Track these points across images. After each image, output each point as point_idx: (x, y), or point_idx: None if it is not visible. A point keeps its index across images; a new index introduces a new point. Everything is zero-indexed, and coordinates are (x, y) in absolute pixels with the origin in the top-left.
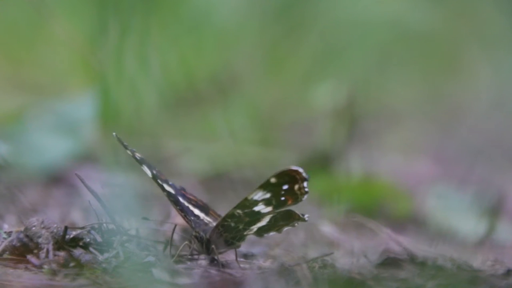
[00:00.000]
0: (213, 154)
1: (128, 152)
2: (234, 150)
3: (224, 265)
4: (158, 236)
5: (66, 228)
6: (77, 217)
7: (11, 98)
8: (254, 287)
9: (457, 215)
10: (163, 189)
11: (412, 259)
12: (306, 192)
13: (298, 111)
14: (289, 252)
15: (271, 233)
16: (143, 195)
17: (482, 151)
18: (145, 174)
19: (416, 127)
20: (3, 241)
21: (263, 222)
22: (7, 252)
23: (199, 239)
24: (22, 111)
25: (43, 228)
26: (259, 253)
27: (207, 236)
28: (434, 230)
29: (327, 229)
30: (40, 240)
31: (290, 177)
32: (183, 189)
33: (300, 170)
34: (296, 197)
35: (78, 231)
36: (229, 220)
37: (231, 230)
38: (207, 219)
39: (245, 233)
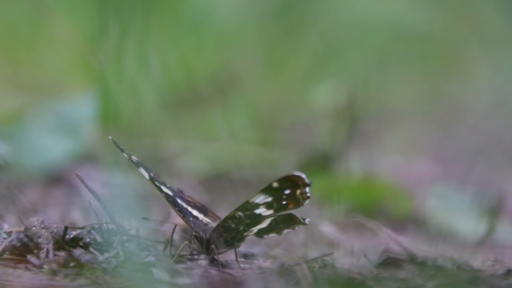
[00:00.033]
0: (213, 154)
1: (125, 155)
2: (234, 150)
3: (224, 265)
4: (158, 236)
5: (66, 228)
6: (77, 217)
7: (11, 98)
8: (254, 287)
9: (457, 215)
10: (161, 191)
11: (412, 259)
12: (308, 197)
13: (298, 111)
14: (289, 252)
15: (271, 235)
16: (143, 195)
17: (482, 151)
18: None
19: (416, 127)
20: (3, 241)
21: (264, 224)
22: (7, 252)
23: (199, 239)
24: (22, 111)
25: (43, 228)
26: (259, 253)
27: (207, 236)
28: (434, 230)
29: (327, 229)
30: (40, 240)
31: (292, 182)
32: (181, 191)
33: (303, 175)
34: (297, 201)
35: (78, 231)
36: (230, 221)
37: (231, 231)
38: (206, 220)
39: (245, 234)
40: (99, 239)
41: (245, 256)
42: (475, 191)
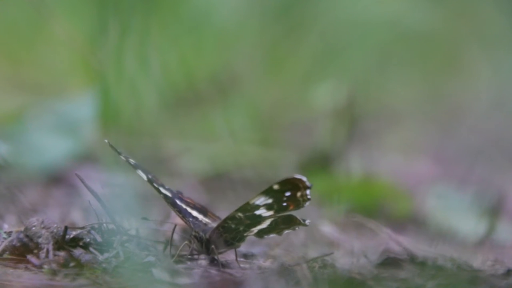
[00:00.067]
0: (213, 154)
1: (122, 158)
2: (234, 150)
3: (224, 265)
4: (158, 236)
5: (66, 228)
6: (77, 217)
7: (11, 98)
8: (254, 287)
9: (457, 215)
10: (160, 192)
11: (412, 259)
12: (309, 199)
13: (298, 111)
14: (289, 252)
15: (272, 235)
16: (143, 195)
17: (482, 151)
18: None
19: (416, 127)
20: (3, 241)
21: (264, 225)
22: (7, 252)
23: (199, 239)
24: (22, 111)
25: (43, 228)
26: (259, 253)
27: (207, 236)
28: (434, 230)
29: (327, 229)
30: (40, 240)
31: (293, 184)
32: (180, 193)
33: (304, 179)
34: (298, 203)
35: (78, 231)
36: (230, 222)
37: (231, 231)
38: (205, 220)
39: (245, 234)
40: (99, 239)
41: (245, 256)
42: (475, 191)
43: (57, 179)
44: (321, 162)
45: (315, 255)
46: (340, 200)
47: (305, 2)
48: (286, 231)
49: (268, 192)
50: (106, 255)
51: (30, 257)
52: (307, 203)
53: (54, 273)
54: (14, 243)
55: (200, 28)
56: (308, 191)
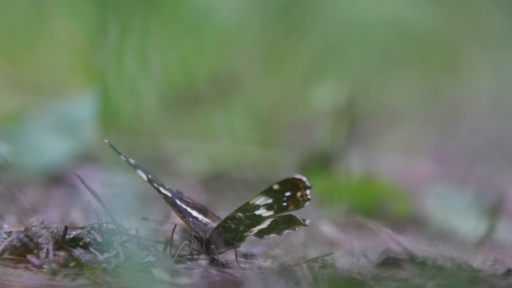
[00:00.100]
0: (213, 154)
1: (122, 158)
2: (234, 150)
3: (224, 265)
4: (158, 236)
5: (66, 228)
6: (77, 217)
7: (11, 98)
8: (254, 287)
9: (457, 215)
10: (160, 192)
11: (412, 259)
12: (309, 199)
13: (298, 111)
14: (289, 252)
15: (272, 235)
16: (143, 195)
17: (482, 151)
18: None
19: (416, 127)
20: (3, 241)
21: (264, 225)
22: (7, 252)
23: (199, 239)
24: (22, 111)
25: (43, 228)
26: (259, 253)
27: (207, 236)
28: (434, 230)
29: (327, 229)
30: (40, 240)
31: (293, 184)
32: (180, 193)
33: (304, 179)
34: (298, 203)
35: (78, 231)
36: (230, 222)
37: (231, 231)
38: (205, 220)
39: (245, 234)
40: (99, 239)
41: (245, 256)
42: (475, 191)
43: (57, 179)
44: (321, 162)
45: (315, 255)
46: (340, 200)
47: (305, 2)
48: (286, 231)
49: (268, 192)
50: (106, 255)
51: (30, 257)
52: (307, 203)
53: (54, 273)
54: (14, 243)
55: (200, 28)
56: (308, 191)
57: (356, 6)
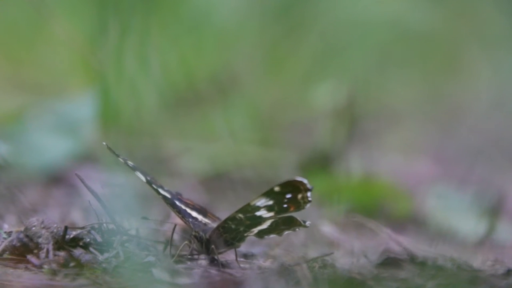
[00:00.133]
0: (213, 154)
1: (120, 160)
2: (234, 150)
3: (224, 265)
4: (158, 236)
5: (66, 228)
6: (77, 217)
7: (11, 98)
8: (254, 287)
9: (457, 215)
10: (159, 193)
11: (412, 259)
12: (309, 201)
13: (298, 111)
14: (289, 252)
15: (272, 236)
16: (143, 195)
17: (482, 151)
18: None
19: (416, 127)
20: (3, 241)
21: (264, 225)
22: (7, 252)
23: (199, 239)
24: (22, 111)
25: (43, 228)
26: (259, 253)
27: (207, 236)
28: (434, 230)
29: (327, 229)
30: (40, 240)
31: (294, 187)
32: (179, 194)
33: (305, 181)
34: (298, 205)
35: (78, 231)
36: (230, 222)
37: (231, 232)
38: (205, 220)
39: (245, 234)
40: (99, 239)
41: (245, 256)
42: (475, 191)
43: (57, 179)
44: (321, 162)
45: (315, 255)
46: (340, 200)
47: (305, 2)
48: (286, 232)
49: (269, 194)
50: (106, 255)
51: (30, 257)
52: (308, 205)
53: (54, 273)
54: (14, 243)
55: (200, 28)
56: (309, 194)
57: (356, 6)
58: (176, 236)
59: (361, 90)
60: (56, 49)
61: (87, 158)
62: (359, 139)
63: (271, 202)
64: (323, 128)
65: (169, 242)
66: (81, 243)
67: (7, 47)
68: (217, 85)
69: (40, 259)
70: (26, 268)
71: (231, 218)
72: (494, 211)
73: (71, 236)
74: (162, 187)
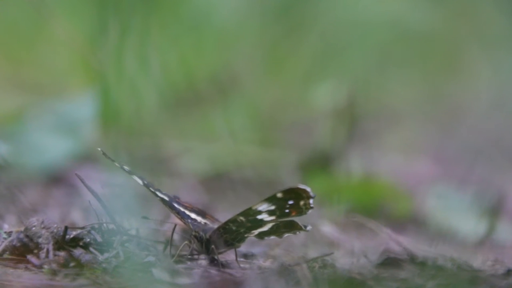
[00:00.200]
0: (213, 154)
1: (116, 164)
2: (234, 150)
3: (224, 265)
4: (158, 236)
5: (66, 228)
6: (77, 217)
7: (11, 98)
8: (254, 287)
9: (457, 215)
10: (156, 196)
11: (412, 259)
12: (311, 208)
13: (298, 111)
14: (289, 252)
15: (272, 237)
16: (143, 195)
17: (482, 151)
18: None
19: (416, 127)
20: (3, 241)
21: (265, 228)
22: (7, 252)
23: (199, 239)
24: (22, 111)
25: (43, 228)
26: (259, 253)
27: (207, 236)
28: (434, 230)
29: (327, 229)
30: (40, 240)
31: (296, 194)
32: (177, 197)
33: (308, 189)
34: (300, 211)
35: (78, 231)
36: (231, 224)
37: (232, 233)
38: (204, 221)
39: (245, 235)
40: (99, 239)
41: (245, 256)
42: (475, 191)
43: (57, 179)
44: (321, 162)
45: (315, 255)
46: (340, 200)
47: (305, 2)
48: (286, 235)
49: (271, 199)
50: (106, 255)
51: (30, 257)
52: (310, 211)
53: (54, 273)
54: (14, 243)
55: (200, 28)
56: (311, 201)
57: (356, 6)
58: (176, 236)
59: (361, 90)
60: (56, 49)
61: (87, 158)
62: (359, 139)
63: (273, 207)
64: (323, 128)
65: (169, 242)
66: (81, 243)
67: (7, 47)
68: (217, 85)
69: (40, 259)
70: (26, 268)
71: (232, 220)
72: (494, 211)
73: (71, 236)
74: (159, 191)
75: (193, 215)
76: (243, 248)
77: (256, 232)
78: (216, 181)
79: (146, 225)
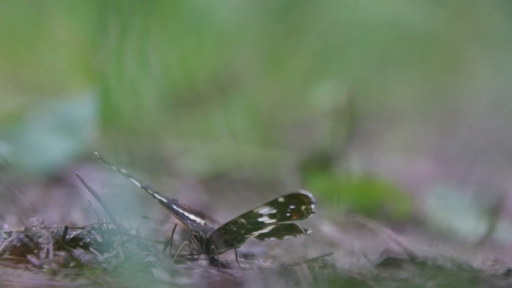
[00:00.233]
0: (213, 154)
1: (114, 168)
2: (234, 150)
3: (224, 265)
4: (158, 236)
5: (66, 228)
6: (77, 217)
7: (11, 98)
8: (254, 287)
9: (457, 215)
10: (155, 197)
11: (412, 259)
12: (313, 212)
13: (298, 111)
14: (289, 252)
15: (272, 238)
16: (143, 195)
17: (482, 151)
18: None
19: (416, 127)
20: (3, 241)
21: (266, 230)
22: (7, 252)
23: (199, 239)
24: (22, 111)
25: (43, 228)
26: (259, 253)
27: (207, 236)
28: (434, 230)
29: (327, 229)
30: (40, 240)
31: (298, 199)
32: (176, 200)
33: (310, 195)
34: (301, 215)
35: (78, 231)
36: (232, 226)
37: (232, 233)
38: (204, 222)
39: (246, 236)
40: (99, 239)
41: (245, 256)
42: (475, 191)
43: (57, 179)
44: (321, 162)
45: (315, 255)
46: (340, 200)
47: (305, 2)
48: (286, 237)
49: (273, 203)
50: (106, 255)
51: (30, 257)
52: (311, 215)
53: (54, 273)
54: (14, 243)
55: (200, 28)
56: (312, 206)
57: (356, 6)
58: (176, 236)
59: (361, 90)
60: (56, 49)
61: (87, 158)
62: (359, 139)
63: (274, 211)
64: (323, 128)
65: (169, 242)
66: (81, 243)
67: (7, 47)
68: (217, 85)
69: (40, 259)
70: (26, 268)
71: (233, 222)
72: (494, 211)
73: (71, 236)
74: (158, 193)
75: (192, 217)
76: (243, 248)
77: (256, 233)
78: (216, 181)
79: (146, 225)
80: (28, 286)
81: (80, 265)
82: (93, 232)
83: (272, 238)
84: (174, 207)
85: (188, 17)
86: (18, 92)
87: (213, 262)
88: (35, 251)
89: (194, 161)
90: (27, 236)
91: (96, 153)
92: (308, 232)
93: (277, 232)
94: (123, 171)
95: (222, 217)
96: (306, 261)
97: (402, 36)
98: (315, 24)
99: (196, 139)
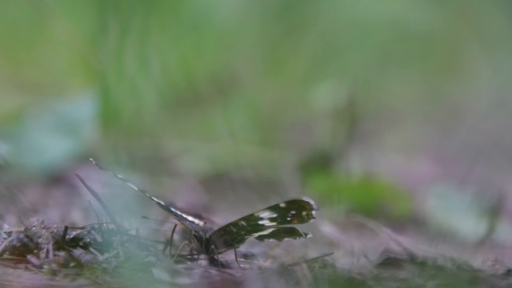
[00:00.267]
0: (213, 154)
1: (110, 173)
2: (234, 150)
3: (224, 265)
4: (158, 236)
5: (66, 228)
6: (77, 217)
7: (11, 98)
8: (254, 287)
9: (457, 215)
10: (152, 200)
11: (412, 259)
12: (313, 218)
13: (298, 111)
14: (289, 252)
15: (272, 240)
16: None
17: (482, 151)
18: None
19: (416, 127)
20: (3, 241)
21: (266, 232)
22: (7, 252)
23: (199, 239)
24: (22, 111)
25: (43, 228)
26: (259, 253)
27: (207, 236)
28: (434, 230)
29: (327, 229)
30: (40, 240)
31: (300, 205)
32: (173, 202)
33: (311, 202)
34: (302, 220)
35: (78, 231)
36: (232, 227)
37: (232, 234)
38: (203, 222)
39: (246, 237)
40: (99, 239)
41: (245, 256)
42: (475, 191)
43: (57, 179)
44: (321, 162)
45: (315, 255)
46: (340, 200)
47: (305, 2)
48: (286, 239)
49: (274, 208)
50: (106, 255)
51: (30, 257)
52: (312, 220)
53: (54, 273)
54: (14, 243)
55: (200, 28)
56: (313, 212)
57: (356, 6)
58: (176, 236)
59: (361, 90)
60: (56, 49)
61: (87, 158)
62: (359, 139)
63: (275, 215)
64: (323, 128)
65: (169, 242)
66: (81, 243)
67: (7, 47)
68: (217, 85)
69: (40, 259)
70: (26, 268)
71: (234, 224)
72: (494, 211)
73: (71, 236)
74: (156, 196)
75: (190, 218)
76: (243, 248)
77: (256, 235)
78: (216, 181)
79: (146, 225)
80: (28, 286)
81: (80, 265)
82: (93, 232)
83: (271, 240)
84: (173, 209)
85: (188, 17)
86: (18, 92)
87: (213, 262)
88: (35, 251)
89: (194, 161)
90: (27, 236)
91: (91, 159)
92: (308, 236)
93: (277, 235)
94: (120, 176)
95: (222, 217)
96: (306, 261)
97: (402, 36)
98: (315, 24)
99: (196, 139)
